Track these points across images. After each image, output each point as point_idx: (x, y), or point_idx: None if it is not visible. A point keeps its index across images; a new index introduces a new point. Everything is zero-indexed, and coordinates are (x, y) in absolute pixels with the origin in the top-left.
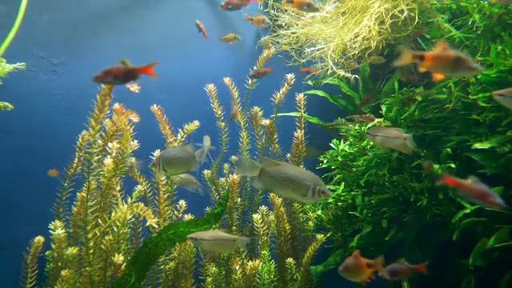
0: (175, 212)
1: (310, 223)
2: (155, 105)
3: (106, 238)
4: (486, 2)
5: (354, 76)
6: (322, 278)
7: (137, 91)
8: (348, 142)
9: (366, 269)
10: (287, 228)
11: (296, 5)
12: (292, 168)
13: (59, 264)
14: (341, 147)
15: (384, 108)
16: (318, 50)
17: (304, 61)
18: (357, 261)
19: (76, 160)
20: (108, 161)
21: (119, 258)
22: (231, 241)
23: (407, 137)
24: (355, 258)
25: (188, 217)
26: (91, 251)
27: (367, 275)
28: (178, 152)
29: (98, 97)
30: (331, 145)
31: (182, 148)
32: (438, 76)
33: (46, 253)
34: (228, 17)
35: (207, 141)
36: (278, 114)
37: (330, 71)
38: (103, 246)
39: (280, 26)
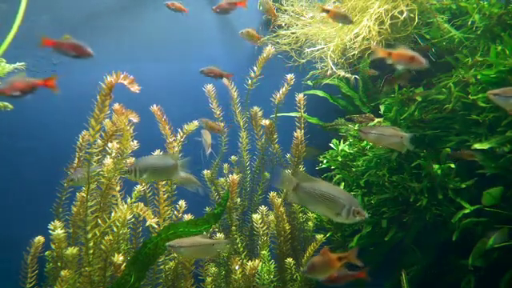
0: (175, 212)
1: (310, 223)
2: (155, 105)
3: (106, 238)
4: (485, 3)
5: (353, 76)
6: None
7: (137, 91)
8: (348, 142)
9: (336, 263)
10: (287, 228)
11: (331, 15)
12: (327, 185)
13: (59, 264)
14: (340, 147)
15: (382, 108)
16: (317, 50)
17: (304, 61)
18: (325, 257)
19: (76, 160)
20: (108, 161)
21: (119, 258)
22: (210, 245)
23: (404, 135)
24: (323, 255)
25: (188, 217)
26: (91, 251)
27: (337, 269)
28: (155, 160)
29: (98, 97)
30: (331, 145)
31: (162, 156)
32: None
33: (46, 253)
34: (228, 17)
35: (207, 135)
36: (278, 114)
37: (329, 71)
38: (103, 246)
39: (280, 26)
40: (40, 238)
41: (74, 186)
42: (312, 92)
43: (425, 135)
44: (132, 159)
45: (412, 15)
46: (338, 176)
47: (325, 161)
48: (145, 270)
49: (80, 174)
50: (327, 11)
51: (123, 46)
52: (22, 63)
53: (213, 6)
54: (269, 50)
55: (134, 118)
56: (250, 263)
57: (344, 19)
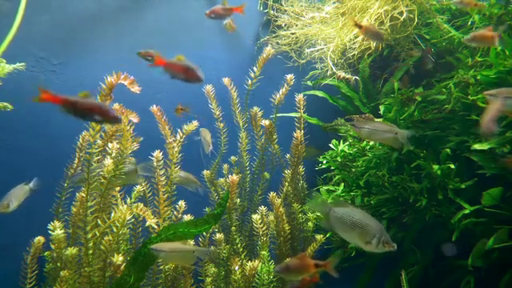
0: (175, 212)
1: (310, 224)
2: (155, 105)
3: (106, 238)
4: (485, 3)
5: (354, 77)
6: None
7: (137, 92)
8: (347, 143)
9: (311, 269)
10: (286, 228)
11: (363, 31)
12: (359, 212)
13: (58, 264)
14: (340, 148)
15: (382, 108)
16: (317, 50)
17: (304, 61)
18: (302, 261)
19: (76, 160)
20: (108, 161)
21: (118, 259)
22: (190, 252)
23: (399, 131)
24: (300, 259)
25: (187, 217)
26: (90, 251)
27: (310, 274)
28: None
29: (98, 97)
30: (330, 145)
31: None
32: None
33: (45, 253)
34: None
35: (206, 134)
36: (278, 115)
37: (329, 72)
38: (102, 247)
39: (279, 27)
40: (40, 238)
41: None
42: (312, 92)
43: (425, 135)
44: (132, 159)
45: (412, 16)
46: (337, 176)
47: (324, 161)
48: (144, 271)
49: (14, 197)
50: (360, 26)
51: (122, 46)
52: (22, 63)
53: (206, 11)
54: (269, 50)
55: (134, 119)
56: (249, 263)
57: (376, 36)
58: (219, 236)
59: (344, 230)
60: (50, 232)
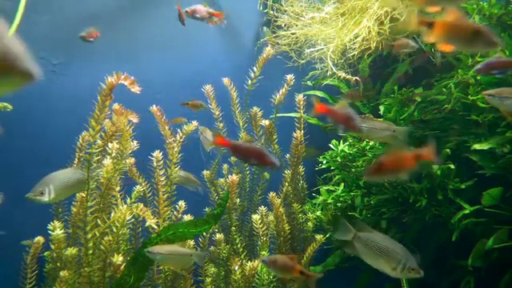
0: (174, 212)
1: (310, 224)
2: (154, 105)
3: (106, 238)
4: (485, 3)
5: (354, 78)
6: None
7: (138, 92)
8: (347, 143)
9: (295, 272)
10: (286, 228)
11: (396, 47)
12: (385, 238)
13: (58, 264)
14: (340, 148)
15: (382, 108)
16: (317, 50)
17: (304, 61)
18: (290, 262)
19: (76, 160)
20: (107, 161)
21: (118, 259)
22: (188, 255)
23: (397, 129)
24: (290, 259)
25: (187, 217)
26: (90, 252)
27: (292, 277)
28: (67, 175)
29: (98, 97)
30: (330, 145)
31: (71, 170)
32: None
33: (45, 253)
34: (228, 18)
35: (206, 133)
36: (278, 115)
37: (329, 72)
38: (102, 247)
39: (279, 27)
40: (40, 239)
41: None
42: (312, 92)
43: (424, 136)
44: (132, 159)
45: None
46: (337, 176)
47: (324, 161)
48: (144, 271)
49: None
50: (392, 45)
51: (122, 46)
52: None
53: (187, 9)
54: (268, 50)
55: (134, 119)
56: (249, 264)
57: (407, 46)
58: (219, 236)
59: (369, 256)
60: (49, 232)
